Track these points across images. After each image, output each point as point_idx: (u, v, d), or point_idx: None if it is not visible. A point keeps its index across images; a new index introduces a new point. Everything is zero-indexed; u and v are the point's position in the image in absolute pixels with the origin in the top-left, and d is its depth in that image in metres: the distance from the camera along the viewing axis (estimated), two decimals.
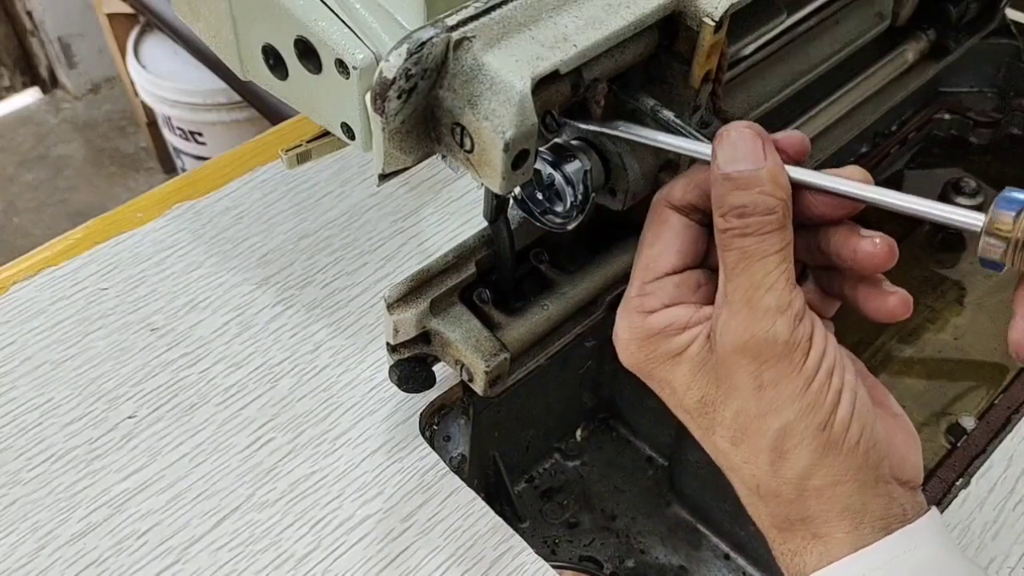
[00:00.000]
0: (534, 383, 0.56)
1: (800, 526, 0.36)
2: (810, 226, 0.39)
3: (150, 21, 1.67)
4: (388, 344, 0.51)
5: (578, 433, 0.64)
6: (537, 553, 0.51)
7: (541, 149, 0.45)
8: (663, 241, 0.39)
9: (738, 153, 0.36)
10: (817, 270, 0.41)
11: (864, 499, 0.35)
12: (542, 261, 0.52)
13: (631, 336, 0.40)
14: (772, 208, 0.36)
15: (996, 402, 0.59)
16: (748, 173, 0.36)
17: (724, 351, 0.36)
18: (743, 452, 0.37)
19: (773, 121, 0.61)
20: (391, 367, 0.52)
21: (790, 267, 0.36)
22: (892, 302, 0.40)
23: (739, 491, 0.39)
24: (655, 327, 0.39)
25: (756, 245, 0.36)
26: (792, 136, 0.38)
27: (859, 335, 0.66)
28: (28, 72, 2.28)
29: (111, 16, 1.79)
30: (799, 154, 0.38)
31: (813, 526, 0.36)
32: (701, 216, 0.40)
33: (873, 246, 0.38)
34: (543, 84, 0.37)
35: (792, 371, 0.35)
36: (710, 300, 0.39)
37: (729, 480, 0.39)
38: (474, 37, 0.36)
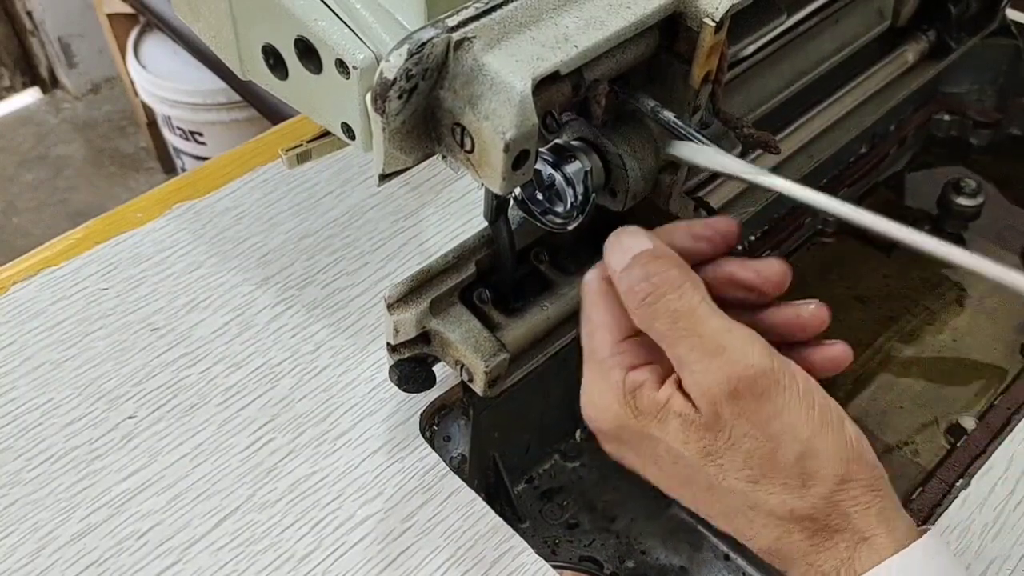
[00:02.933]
0: (534, 383, 0.56)
1: (844, 535, 0.36)
2: (750, 308, 0.40)
3: (150, 21, 1.67)
4: (388, 344, 0.51)
5: (578, 434, 0.64)
6: (537, 553, 0.51)
7: (541, 149, 0.45)
8: (613, 308, 0.39)
9: (623, 246, 0.38)
10: None
11: (890, 503, 0.36)
12: (542, 261, 0.52)
13: (613, 394, 0.38)
14: (672, 265, 0.37)
15: (996, 402, 0.60)
16: (639, 255, 0.38)
17: (714, 403, 0.35)
18: (766, 487, 0.36)
19: (773, 121, 0.61)
20: (391, 367, 0.52)
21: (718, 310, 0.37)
22: (837, 350, 0.41)
23: (761, 529, 0.37)
24: (638, 380, 0.38)
25: (677, 301, 0.36)
26: (719, 222, 0.40)
27: (858, 336, 0.66)
28: (28, 72, 2.27)
29: (111, 16, 1.79)
30: (726, 237, 0.40)
31: (858, 533, 0.36)
32: None
33: (815, 308, 0.40)
34: (544, 84, 0.37)
35: (792, 395, 0.35)
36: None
37: (746, 521, 0.37)
38: (475, 37, 0.36)
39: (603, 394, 0.38)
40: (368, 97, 0.36)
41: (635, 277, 0.37)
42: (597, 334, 0.39)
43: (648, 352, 0.39)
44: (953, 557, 0.37)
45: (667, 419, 0.37)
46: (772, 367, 0.35)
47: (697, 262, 0.40)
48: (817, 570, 0.36)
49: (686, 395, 0.37)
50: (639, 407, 0.37)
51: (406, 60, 0.35)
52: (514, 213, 0.50)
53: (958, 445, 0.58)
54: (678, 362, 0.37)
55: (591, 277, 0.41)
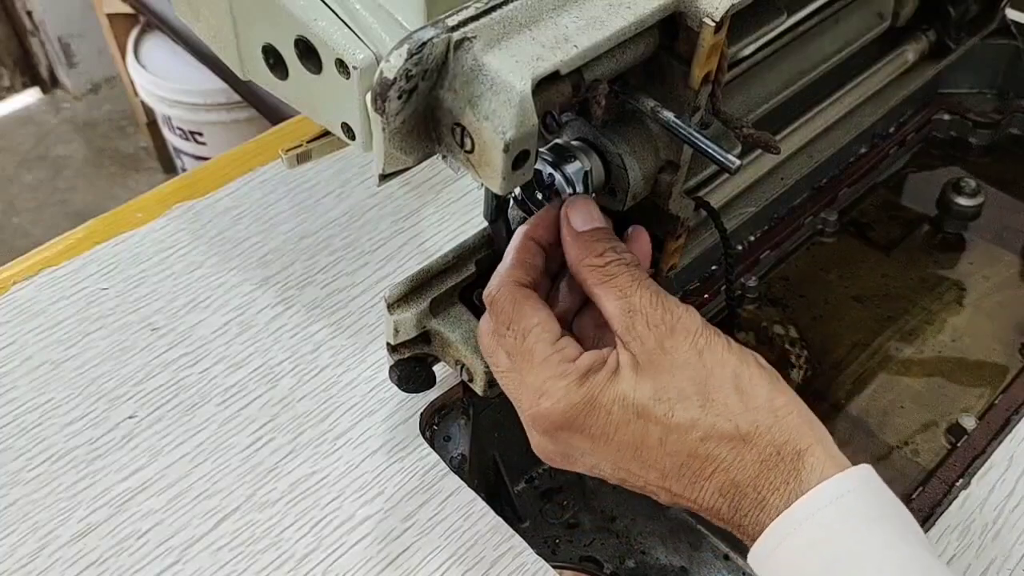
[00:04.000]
0: None
1: (786, 449, 0.39)
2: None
3: (150, 21, 1.67)
4: (388, 344, 0.51)
5: None
6: (537, 553, 0.51)
7: (541, 149, 0.45)
8: (542, 310, 0.42)
9: (592, 215, 0.44)
10: None
11: (822, 430, 0.40)
12: None
13: (567, 383, 0.40)
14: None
15: (996, 402, 0.60)
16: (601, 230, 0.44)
17: (659, 340, 0.40)
18: (715, 408, 0.39)
19: (773, 122, 0.61)
20: (391, 367, 0.52)
21: None
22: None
23: (717, 462, 0.39)
24: (585, 364, 0.41)
25: (626, 270, 0.42)
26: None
27: (858, 336, 0.66)
28: (28, 72, 2.28)
29: (111, 16, 1.79)
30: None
31: (795, 444, 0.39)
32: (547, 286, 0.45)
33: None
34: (544, 84, 0.37)
35: (714, 333, 0.41)
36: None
37: (700, 459, 0.39)
38: (475, 37, 0.36)
39: (555, 383, 0.40)
40: (368, 97, 0.36)
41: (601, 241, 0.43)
42: (532, 335, 0.42)
43: (580, 343, 0.42)
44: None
45: (619, 374, 0.40)
46: (701, 319, 0.41)
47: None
48: (768, 487, 0.38)
49: (627, 352, 0.41)
50: (594, 382, 0.40)
51: (406, 60, 0.35)
52: (514, 213, 0.50)
53: (958, 445, 0.58)
54: (627, 311, 0.41)
55: (505, 289, 0.43)
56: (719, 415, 0.39)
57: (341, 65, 0.39)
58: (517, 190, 0.47)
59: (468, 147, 0.37)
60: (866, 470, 0.39)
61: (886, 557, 0.36)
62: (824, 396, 0.62)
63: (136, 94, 1.85)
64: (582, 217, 0.44)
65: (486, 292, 0.44)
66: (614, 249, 0.43)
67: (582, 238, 0.43)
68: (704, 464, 0.39)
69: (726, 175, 0.55)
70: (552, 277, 0.46)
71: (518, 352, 0.42)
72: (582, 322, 0.45)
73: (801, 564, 0.37)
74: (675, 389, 0.40)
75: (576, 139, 0.46)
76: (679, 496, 0.41)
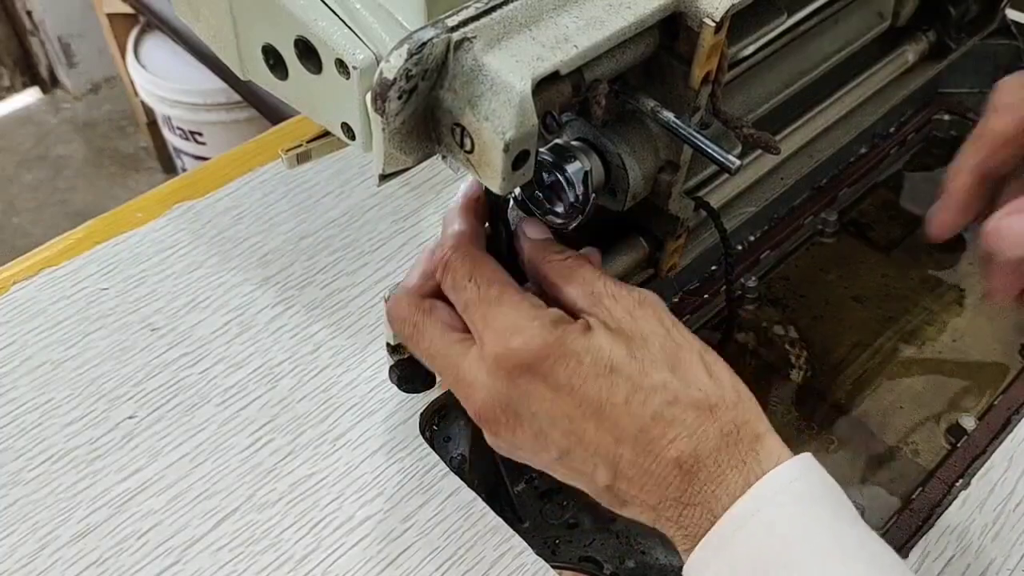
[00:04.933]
0: None
1: (745, 429, 0.39)
2: None
3: (150, 21, 1.67)
4: (388, 344, 0.51)
5: None
6: (537, 554, 0.51)
7: (541, 150, 0.45)
8: (502, 268, 0.44)
9: (545, 229, 0.46)
10: None
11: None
12: None
13: (540, 322, 0.40)
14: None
15: (996, 403, 0.59)
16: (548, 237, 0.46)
17: (629, 311, 0.41)
18: (685, 376, 0.40)
19: (773, 122, 0.61)
20: (391, 367, 0.52)
21: None
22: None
23: (681, 428, 0.39)
24: (556, 314, 0.41)
25: (587, 264, 0.44)
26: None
27: (858, 336, 0.66)
28: (28, 72, 2.28)
29: (111, 16, 1.79)
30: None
31: (753, 427, 0.39)
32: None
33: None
34: (544, 85, 0.37)
35: (676, 319, 0.42)
36: None
37: (664, 424, 0.39)
38: (475, 38, 0.36)
39: (530, 322, 0.40)
40: (368, 97, 0.36)
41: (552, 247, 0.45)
42: (498, 283, 0.42)
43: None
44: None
45: (593, 331, 0.40)
46: (666, 307, 0.43)
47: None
48: (728, 462, 0.38)
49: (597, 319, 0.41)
50: (567, 330, 0.40)
51: (406, 60, 0.35)
52: (513, 214, 0.50)
53: (958, 445, 0.58)
54: (588, 292, 0.42)
55: (463, 246, 0.44)
56: (689, 383, 0.40)
57: (341, 65, 0.39)
58: (517, 190, 0.47)
59: (468, 147, 0.37)
60: (811, 458, 0.39)
61: (844, 537, 0.37)
62: (824, 396, 0.62)
63: (136, 94, 1.85)
64: (537, 228, 0.46)
65: (437, 255, 0.44)
66: (571, 251, 0.45)
67: (539, 243, 0.45)
68: (667, 429, 0.39)
69: (726, 175, 0.55)
70: None
71: (481, 299, 0.42)
72: None
73: (764, 542, 0.37)
74: (647, 353, 0.40)
75: (576, 139, 0.46)
76: (625, 472, 0.40)
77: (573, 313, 0.42)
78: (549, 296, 0.44)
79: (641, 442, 0.39)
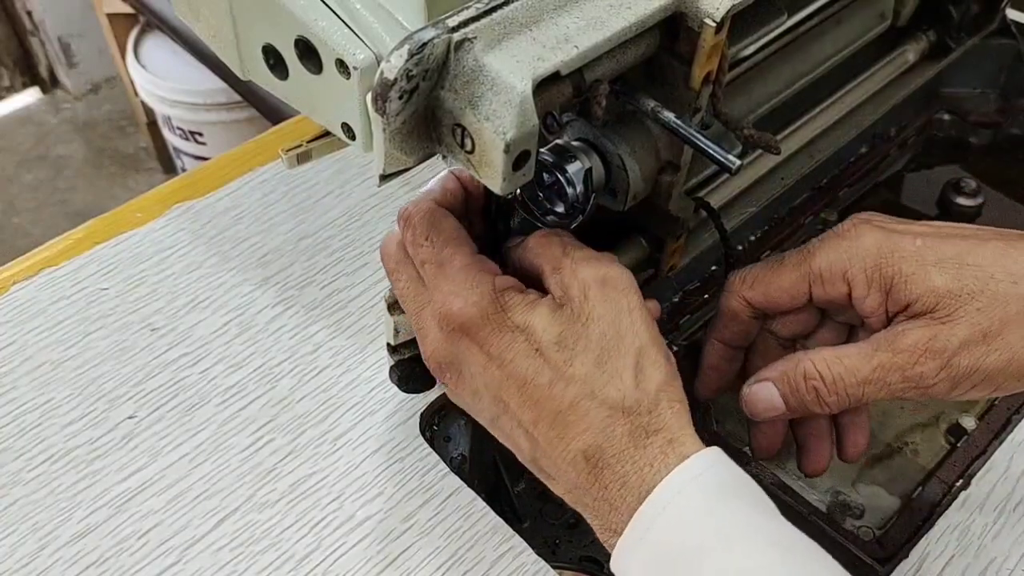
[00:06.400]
0: None
1: (656, 436, 0.39)
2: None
3: (150, 21, 1.67)
4: (388, 345, 0.51)
5: None
6: (537, 553, 0.51)
7: (542, 150, 0.45)
8: (461, 228, 0.44)
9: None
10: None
11: (689, 417, 0.41)
12: None
13: (483, 290, 0.41)
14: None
15: (996, 402, 0.59)
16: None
17: (585, 288, 0.41)
18: (608, 371, 0.40)
19: (774, 122, 0.61)
20: (391, 367, 0.52)
21: None
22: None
23: (591, 422, 0.39)
24: (504, 282, 0.42)
25: (567, 235, 0.44)
26: None
27: None
28: (28, 72, 2.28)
29: (111, 16, 1.79)
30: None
31: (669, 433, 0.39)
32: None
33: None
34: (544, 85, 0.37)
35: (640, 303, 0.42)
36: None
37: (577, 414, 0.40)
38: (475, 38, 0.36)
39: (472, 288, 0.41)
40: (368, 97, 0.36)
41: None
42: (452, 244, 0.43)
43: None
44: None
45: (536, 307, 0.41)
46: (633, 279, 0.42)
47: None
48: (632, 464, 0.39)
49: (551, 293, 0.42)
50: (508, 301, 0.41)
51: (407, 60, 0.35)
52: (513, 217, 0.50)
53: (958, 445, 0.58)
54: (557, 259, 0.42)
55: (424, 204, 0.45)
56: (610, 380, 0.40)
57: (341, 65, 0.39)
58: (518, 190, 0.47)
59: (468, 147, 0.37)
60: (719, 452, 0.40)
61: (756, 530, 0.37)
62: None
63: (136, 94, 1.85)
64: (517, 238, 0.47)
65: (401, 211, 0.45)
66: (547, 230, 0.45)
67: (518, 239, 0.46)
68: (579, 420, 0.40)
69: (726, 175, 0.55)
70: None
71: (434, 260, 0.43)
72: None
73: (676, 535, 0.37)
74: (581, 339, 0.40)
75: (577, 139, 0.46)
76: (542, 449, 0.41)
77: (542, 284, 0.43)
78: (531, 282, 0.44)
79: (556, 426, 0.40)
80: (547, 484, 0.43)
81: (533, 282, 0.44)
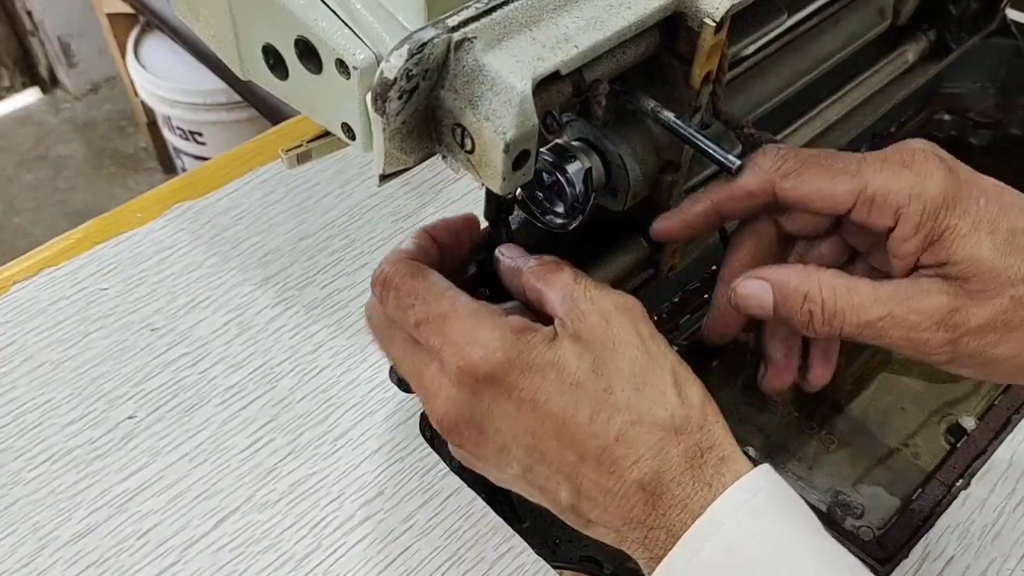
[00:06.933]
0: None
1: (710, 453, 0.38)
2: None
3: (150, 21, 1.67)
4: None
5: None
6: (537, 553, 0.51)
7: (542, 149, 0.45)
8: (446, 280, 0.41)
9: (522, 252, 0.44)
10: None
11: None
12: None
13: (502, 333, 0.38)
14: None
15: (996, 402, 0.59)
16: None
17: (605, 316, 0.39)
18: (648, 393, 0.38)
19: (774, 121, 0.61)
20: (391, 367, 0.52)
21: None
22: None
23: (644, 450, 0.37)
24: (517, 323, 0.39)
25: (568, 269, 0.42)
26: None
27: None
28: (28, 72, 2.28)
29: (111, 16, 1.79)
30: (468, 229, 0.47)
31: (720, 450, 0.38)
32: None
33: None
34: (544, 85, 0.37)
35: (656, 331, 0.40)
36: None
37: (626, 444, 0.38)
38: (475, 38, 0.36)
39: (490, 333, 0.38)
40: (368, 97, 0.36)
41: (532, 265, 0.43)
42: (448, 296, 0.40)
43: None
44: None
45: (560, 342, 0.39)
46: (644, 308, 0.41)
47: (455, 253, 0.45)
48: (693, 486, 0.37)
49: (568, 326, 0.40)
50: (531, 340, 0.39)
51: (406, 60, 0.35)
52: (514, 214, 0.50)
53: (958, 445, 0.58)
54: (567, 295, 0.40)
55: (400, 263, 0.42)
56: (655, 402, 0.38)
57: (341, 65, 0.39)
58: (518, 190, 0.47)
59: (468, 147, 0.37)
60: (769, 471, 0.38)
61: (805, 550, 0.36)
62: (824, 396, 0.62)
63: (136, 94, 1.85)
64: (515, 251, 0.44)
65: (373, 276, 0.42)
66: (547, 257, 0.43)
67: (514, 258, 0.43)
68: (629, 450, 0.37)
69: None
70: None
71: (432, 317, 0.39)
72: None
73: (725, 559, 0.36)
74: (614, 365, 0.38)
75: (576, 139, 0.46)
76: (586, 493, 0.38)
77: (551, 318, 0.40)
78: (531, 306, 0.42)
79: (604, 462, 0.38)
80: (583, 530, 0.40)
81: (531, 308, 0.42)
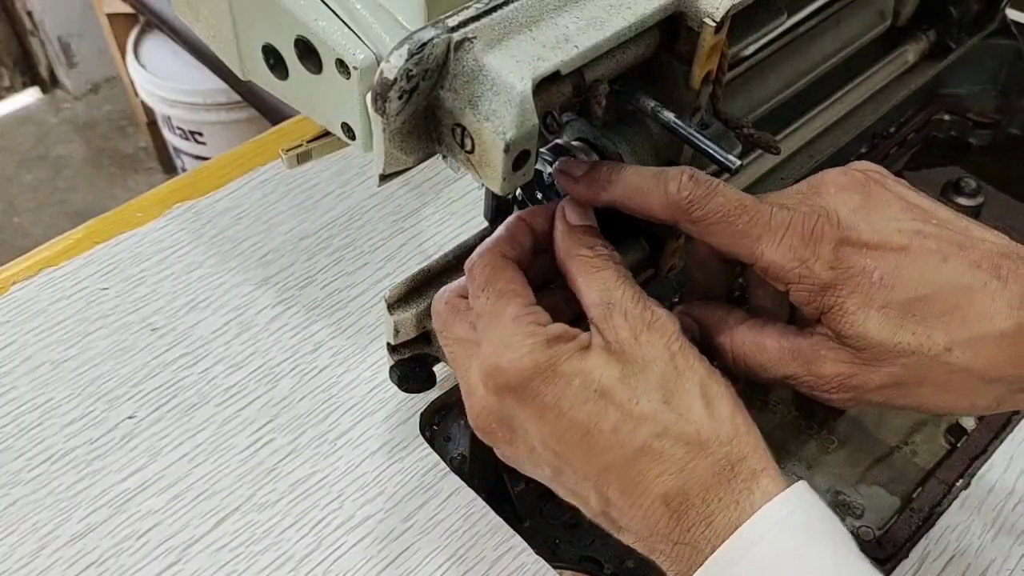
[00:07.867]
0: None
1: (740, 466, 0.37)
2: None
3: (150, 21, 1.67)
4: (388, 344, 0.51)
5: None
6: (537, 553, 0.51)
7: (542, 150, 0.45)
8: (519, 278, 0.42)
9: (587, 213, 0.44)
10: None
11: (767, 446, 0.39)
12: None
13: (534, 341, 0.39)
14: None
15: None
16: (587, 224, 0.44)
17: (634, 332, 0.39)
18: (676, 407, 0.38)
19: (774, 121, 0.61)
20: (391, 367, 0.52)
21: None
22: None
23: (669, 463, 0.37)
24: (555, 331, 0.39)
25: (613, 266, 0.42)
26: None
27: None
28: (28, 72, 2.28)
29: (111, 16, 1.79)
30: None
31: (751, 463, 0.38)
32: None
33: None
34: (544, 85, 0.37)
35: (688, 342, 0.40)
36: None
37: (651, 457, 0.37)
38: (475, 38, 0.36)
39: (523, 340, 0.39)
40: (368, 97, 0.36)
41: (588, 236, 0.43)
42: (506, 296, 0.41)
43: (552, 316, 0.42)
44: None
45: (589, 352, 0.39)
46: (679, 328, 0.41)
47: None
48: (718, 502, 0.37)
49: (600, 337, 0.40)
50: (562, 349, 0.39)
51: (406, 60, 0.35)
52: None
53: (958, 445, 0.58)
54: (603, 300, 0.40)
55: (488, 255, 0.43)
56: (681, 415, 0.38)
57: (341, 65, 0.39)
58: (518, 190, 0.47)
59: (468, 147, 0.37)
60: (805, 488, 0.38)
61: (839, 568, 0.36)
62: None
63: (136, 94, 1.85)
64: (578, 213, 0.44)
65: (468, 260, 0.43)
66: (604, 246, 0.43)
67: (575, 231, 0.43)
68: (653, 463, 0.37)
69: (726, 175, 0.55)
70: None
71: (487, 312, 0.41)
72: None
73: None
74: (642, 379, 0.38)
75: (576, 139, 0.46)
76: (613, 502, 0.38)
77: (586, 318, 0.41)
78: (571, 292, 0.43)
79: (628, 474, 0.38)
80: (617, 536, 0.40)
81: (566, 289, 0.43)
